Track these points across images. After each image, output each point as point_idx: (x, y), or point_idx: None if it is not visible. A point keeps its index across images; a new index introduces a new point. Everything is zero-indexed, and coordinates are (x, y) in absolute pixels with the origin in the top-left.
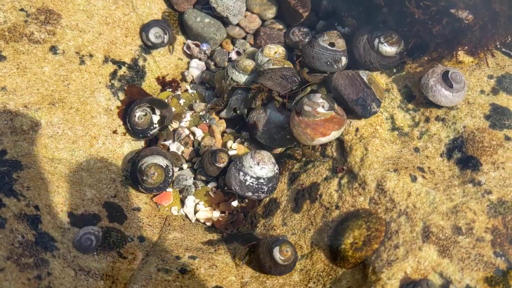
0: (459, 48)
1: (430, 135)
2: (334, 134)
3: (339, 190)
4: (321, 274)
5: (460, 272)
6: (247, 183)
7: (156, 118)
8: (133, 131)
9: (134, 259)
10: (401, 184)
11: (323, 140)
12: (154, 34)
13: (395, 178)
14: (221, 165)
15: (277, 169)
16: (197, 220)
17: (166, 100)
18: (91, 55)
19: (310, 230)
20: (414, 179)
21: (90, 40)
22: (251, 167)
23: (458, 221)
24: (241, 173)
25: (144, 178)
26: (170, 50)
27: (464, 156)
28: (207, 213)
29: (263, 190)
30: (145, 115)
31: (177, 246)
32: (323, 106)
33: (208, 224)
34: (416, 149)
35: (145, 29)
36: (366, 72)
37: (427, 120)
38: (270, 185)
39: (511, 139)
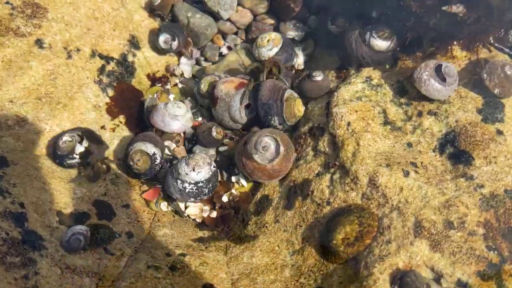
0: (455, 43)
1: (422, 130)
2: (260, 181)
3: (331, 186)
4: (312, 269)
5: (451, 266)
6: (187, 190)
7: (80, 148)
8: (56, 157)
9: (122, 256)
10: (393, 179)
11: (250, 178)
12: (163, 40)
13: (387, 173)
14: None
15: (214, 166)
16: (187, 216)
17: (155, 95)
18: (78, 49)
19: (301, 226)
20: (406, 174)
21: (78, 34)
22: (187, 174)
23: (450, 216)
24: (179, 182)
25: (131, 163)
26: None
27: (457, 151)
28: (197, 208)
29: (204, 193)
30: (71, 141)
31: (167, 243)
32: (259, 156)
33: (199, 220)
34: (409, 144)
35: (157, 33)
36: (289, 92)
37: (419, 114)
38: (210, 185)
39: (503, 133)
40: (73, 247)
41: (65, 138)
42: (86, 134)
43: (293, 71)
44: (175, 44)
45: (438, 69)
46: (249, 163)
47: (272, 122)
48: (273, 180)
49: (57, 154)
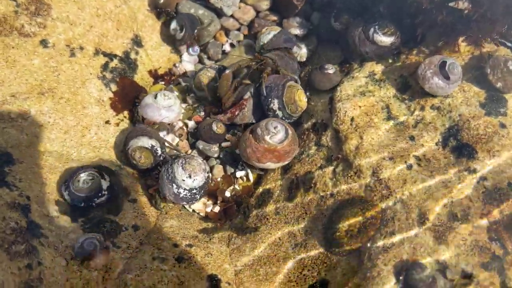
0: (461, 39)
1: (425, 124)
2: (269, 165)
3: (334, 178)
4: (316, 262)
5: (455, 258)
6: (181, 195)
7: (106, 183)
8: (80, 201)
9: (128, 248)
10: (397, 172)
11: (258, 165)
12: (173, 27)
13: (390, 166)
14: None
15: (208, 171)
16: (193, 210)
17: None
18: (81, 48)
19: (304, 218)
20: (409, 167)
21: (81, 32)
22: (183, 180)
23: (454, 208)
24: (174, 186)
25: (134, 162)
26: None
27: (460, 144)
28: (201, 203)
29: (196, 198)
30: (92, 179)
31: (174, 234)
32: (271, 137)
33: (202, 214)
34: (412, 138)
35: (170, 19)
36: (292, 82)
37: (422, 108)
38: (202, 191)
39: (506, 127)
40: (87, 252)
41: (84, 177)
42: (100, 168)
43: (296, 61)
44: (180, 35)
45: (442, 66)
46: (259, 146)
47: (272, 105)
48: (281, 163)
49: (80, 198)
